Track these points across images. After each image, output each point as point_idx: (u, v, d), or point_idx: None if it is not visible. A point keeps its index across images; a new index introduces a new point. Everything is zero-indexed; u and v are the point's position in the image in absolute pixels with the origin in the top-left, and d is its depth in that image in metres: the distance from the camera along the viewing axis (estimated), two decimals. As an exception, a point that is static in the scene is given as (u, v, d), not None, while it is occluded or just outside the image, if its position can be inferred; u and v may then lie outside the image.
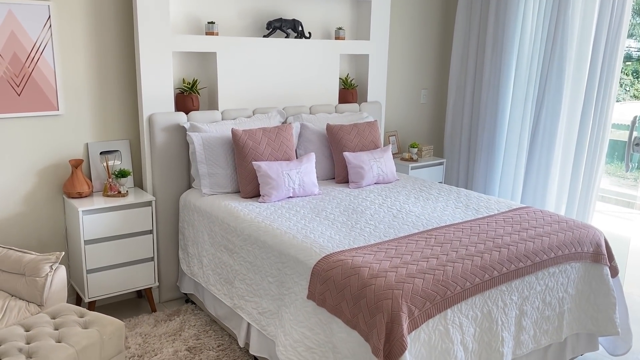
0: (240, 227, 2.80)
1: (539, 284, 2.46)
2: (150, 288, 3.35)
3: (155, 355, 2.86)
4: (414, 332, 2.00)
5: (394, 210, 2.98)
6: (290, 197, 3.21)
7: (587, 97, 3.92)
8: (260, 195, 3.19)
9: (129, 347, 2.93)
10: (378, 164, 3.60)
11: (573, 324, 2.65)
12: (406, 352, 1.92)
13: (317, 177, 3.69)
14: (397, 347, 1.92)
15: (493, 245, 2.44)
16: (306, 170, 3.25)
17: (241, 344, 2.81)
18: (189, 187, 3.49)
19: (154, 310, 3.37)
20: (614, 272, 2.77)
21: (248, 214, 2.89)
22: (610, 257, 2.78)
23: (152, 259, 3.27)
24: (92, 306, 3.14)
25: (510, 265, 2.33)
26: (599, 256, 2.71)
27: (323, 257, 2.30)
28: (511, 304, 2.34)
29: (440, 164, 4.61)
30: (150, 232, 3.23)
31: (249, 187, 3.19)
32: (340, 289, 2.13)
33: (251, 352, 2.71)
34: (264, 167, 3.12)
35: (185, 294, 3.57)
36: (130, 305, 3.49)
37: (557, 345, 2.67)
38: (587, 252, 2.67)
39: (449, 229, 2.64)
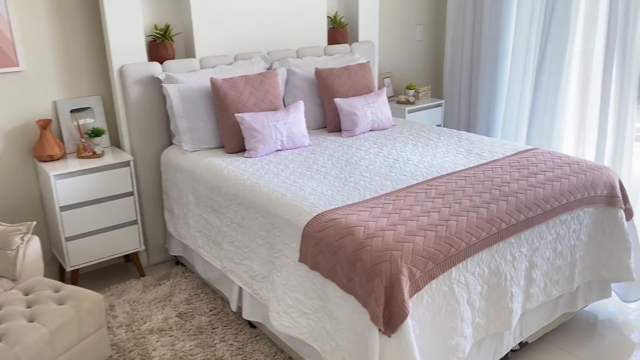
0: (225, 186, 2.58)
1: (549, 233, 2.27)
2: (137, 252, 3.17)
3: (145, 324, 2.71)
4: (415, 295, 1.82)
5: (391, 160, 2.75)
6: (279, 150, 2.98)
7: (611, 17, 3.56)
8: (245, 150, 2.95)
9: (116, 316, 2.78)
10: (372, 109, 3.35)
11: (585, 272, 2.48)
12: (408, 318, 1.75)
13: (307, 127, 3.45)
14: (398, 313, 1.74)
15: (500, 194, 2.23)
16: (295, 121, 3.01)
17: (233, 308, 2.66)
18: (170, 143, 3.25)
19: (142, 275, 3.21)
20: (629, 214, 2.58)
21: (233, 171, 2.66)
22: (625, 199, 2.58)
23: (135, 222, 3.08)
24: (75, 275, 2.97)
25: (519, 216, 2.13)
26: (613, 199, 2.51)
27: (314, 217, 2.09)
28: (520, 257, 2.16)
29: (439, 105, 4.35)
30: (131, 194, 3.02)
31: (234, 141, 2.95)
32: (333, 251, 1.93)
33: (244, 316, 2.55)
34: (248, 119, 2.87)
35: (175, 256, 3.41)
36: (118, 270, 3.33)
37: (568, 295, 2.52)
38: (601, 195, 2.47)
39: (450, 178, 2.43)
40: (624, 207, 2.55)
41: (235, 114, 2.89)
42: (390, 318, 1.75)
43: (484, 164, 2.64)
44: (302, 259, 2.08)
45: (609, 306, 2.77)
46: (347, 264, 1.88)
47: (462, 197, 2.20)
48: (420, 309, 1.85)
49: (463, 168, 2.59)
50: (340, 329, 1.94)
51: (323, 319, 2.03)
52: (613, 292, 2.78)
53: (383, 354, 1.77)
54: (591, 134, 3.84)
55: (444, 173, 2.52)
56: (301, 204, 2.20)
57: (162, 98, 3.15)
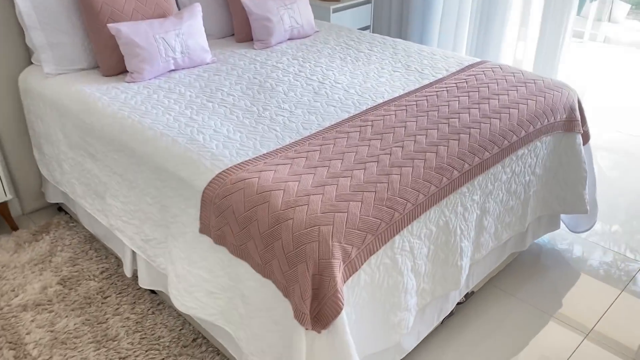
0: (99, 126, 1.97)
1: (504, 173, 1.90)
2: (5, 203, 2.54)
3: (16, 297, 2.18)
4: (351, 278, 1.41)
5: (315, 83, 2.22)
6: (173, 70, 2.35)
7: None
8: (127, 72, 2.30)
9: (-21, 291, 2.22)
10: (290, 12, 2.73)
11: (537, 208, 2.18)
12: (342, 312, 1.34)
13: (209, 37, 2.79)
14: (329, 307, 1.33)
15: (449, 130, 1.79)
16: (191, 30, 2.35)
17: (128, 273, 2.16)
18: (29, 63, 2.51)
19: (14, 228, 2.61)
20: (586, 138, 2.26)
21: (109, 104, 2.04)
22: (583, 121, 2.24)
23: (-6, 167, 2.42)
24: None
25: (473, 159, 1.72)
26: (572, 123, 2.16)
27: (217, 175, 1.58)
28: (472, 206, 1.78)
29: (368, 1, 3.75)
30: (-18, 132, 2.33)
31: (111, 61, 2.27)
32: (244, 224, 1.46)
33: (141, 284, 2.08)
34: (126, 31, 2.19)
35: (56, 203, 2.80)
36: (-16, 224, 2.70)
37: (517, 235, 2.23)
38: (560, 120, 2.10)
39: (388, 109, 1.96)
40: (582, 131, 2.21)
41: (109, 25, 2.19)
42: (319, 313, 1.34)
43: (427, 85, 2.17)
44: (204, 229, 1.60)
45: (556, 237, 2.54)
46: (262, 243, 1.42)
47: (405, 136, 1.75)
48: (356, 290, 1.44)
49: (403, 92, 2.12)
50: (257, 317, 1.52)
51: (235, 300, 1.59)
52: (561, 223, 2.53)
53: (311, 354, 1.38)
54: (533, 31, 3.46)
55: (381, 101, 2.04)
56: (199, 156, 1.66)
57: (11, 2, 2.36)
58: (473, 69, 2.32)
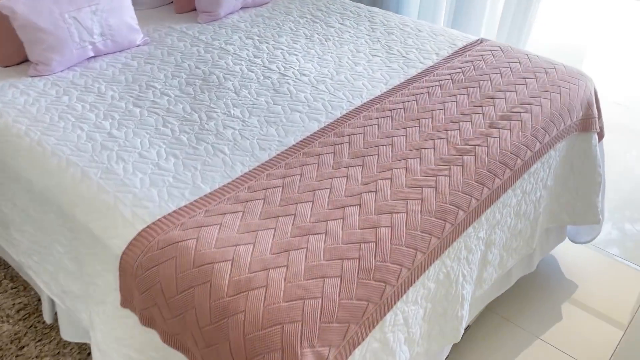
0: (-12, 144, 1.49)
1: (514, 196, 1.52)
2: None
3: None
4: (329, 381, 1.03)
5: (275, 75, 1.76)
6: (92, 57, 1.84)
7: None
8: (31, 64, 1.78)
9: None
10: (242, -26, 2.20)
11: (545, 223, 1.83)
12: None
13: (140, 8, 2.25)
14: None
15: (449, 150, 1.39)
16: (112, 4, 1.83)
17: (47, 319, 1.74)
18: None
19: None
20: (601, 135, 1.89)
21: (2, 112, 1.54)
22: (599, 114, 1.87)
23: None
24: None
25: (481, 191, 1.33)
26: (589, 121, 1.78)
27: (139, 234, 1.14)
28: (477, 245, 1.41)
29: (335, -46, 3.20)
30: None
31: (9, 49, 1.75)
32: (177, 310, 1.05)
33: (63, 336, 1.66)
34: (23, 10, 1.65)
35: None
36: None
37: (525, 258, 1.88)
38: (576, 120, 1.72)
39: (369, 115, 1.53)
40: (598, 129, 1.84)
41: (0, 4, 1.65)
42: None
43: (415, 78, 1.74)
44: (125, 304, 1.18)
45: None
46: (202, 340, 1.01)
47: (393, 161, 1.34)
48: (335, 388, 1.07)
49: (385, 89, 1.68)
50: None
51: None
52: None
53: None
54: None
55: (359, 103, 1.60)
56: (116, 199, 1.22)
57: None
58: (469, 52, 1.88)
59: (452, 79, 1.70)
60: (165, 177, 1.29)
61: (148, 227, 1.15)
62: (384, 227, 1.15)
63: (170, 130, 1.47)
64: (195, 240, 1.10)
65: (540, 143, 1.53)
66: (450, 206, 1.24)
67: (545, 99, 1.63)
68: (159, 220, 1.16)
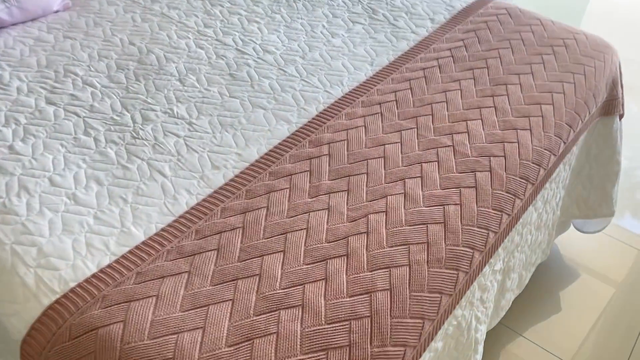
0: None
1: (535, 210, 1.24)
2: None
3: None
4: None
5: (231, 51, 1.38)
6: (-6, 31, 1.43)
7: None
8: None
9: None
10: None
11: (559, 220, 1.57)
12: None
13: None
14: None
15: (457, 163, 1.08)
16: (16, -40, 1.40)
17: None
18: None
19: None
20: (621, 115, 1.61)
21: None
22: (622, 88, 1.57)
23: None
24: None
25: (500, 221, 1.04)
26: (612, 103, 1.48)
27: (46, 312, 0.83)
28: (493, 280, 1.14)
29: None
30: None
31: None
32: None
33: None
34: None
35: None
36: None
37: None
38: (600, 103, 1.42)
39: (353, 113, 1.19)
40: (622, 111, 1.55)
41: None
42: None
43: (407, 54, 1.39)
44: (36, 402, 0.88)
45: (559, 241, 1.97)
46: None
47: (386, 183, 1.03)
48: None
49: (371, 72, 1.33)
50: None
51: None
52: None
53: None
54: None
55: (338, 95, 1.26)
56: (14, 256, 0.89)
57: None
58: (470, 17, 1.54)
59: (453, 57, 1.37)
60: (84, 217, 0.96)
61: (57, 301, 0.83)
62: (380, 290, 0.85)
63: (94, 141, 1.12)
64: (121, 324, 0.79)
65: (565, 143, 1.23)
66: (464, 249, 0.95)
67: (568, 83, 1.32)
68: (72, 290, 0.84)
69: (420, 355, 0.89)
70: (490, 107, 1.21)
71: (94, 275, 0.86)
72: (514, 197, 1.06)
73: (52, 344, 0.80)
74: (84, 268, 0.88)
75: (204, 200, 1.00)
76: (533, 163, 1.13)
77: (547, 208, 1.31)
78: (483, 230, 0.99)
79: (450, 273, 0.92)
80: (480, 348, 1.18)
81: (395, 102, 1.23)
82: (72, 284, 0.85)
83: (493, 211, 1.02)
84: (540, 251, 1.43)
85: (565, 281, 1.76)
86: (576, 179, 1.58)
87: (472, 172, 1.06)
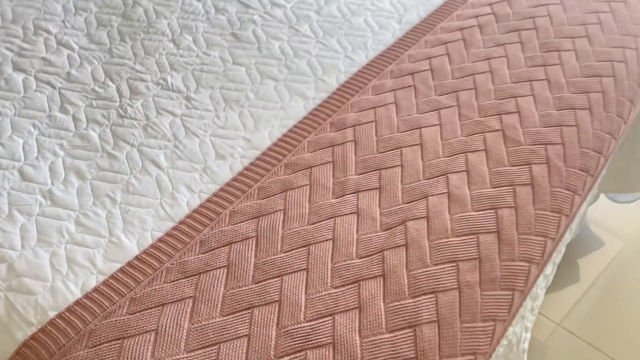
0: None
1: (587, 202, 1.08)
2: None
3: None
4: None
5: (235, 5, 1.15)
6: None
7: None
8: None
9: None
10: None
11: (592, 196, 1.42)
12: None
13: None
14: None
15: (510, 157, 0.90)
16: None
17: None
18: None
19: None
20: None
21: None
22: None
23: None
24: None
25: (559, 224, 0.88)
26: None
27: (20, 351, 0.68)
28: (542, 286, 1.00)
29: None
30: None
31: None
32: None
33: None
34: None
35: None
36: None
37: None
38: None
39: (381, 86, 1.00)
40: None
41: None
42: None
43: (441, 10, 1.18)
44: None
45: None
46: None
47: (424, 179, 0.86)
48: None
49: (399, 32, 1.13)
50: None
51: None
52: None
53: None
54: None
55: (362, 62, 1.06)
56: (-22, 280, 0.73)
57: None
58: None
59: (495, 14, 1.16)
60: (64, 222, 0.79)
61: (34, 337, 0.68)
62: (425, 322, 0.71)
63: (73, 120, 0.93)
64: (105, 371, 0.64)
65: (625, 123, 1.06)
66: (520, 264, 0.80)
67: (629, 49, 1.12)
68: (52, 322, 0.69)
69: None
70: (543, 79, 1.03)
71: (78, 302, 0.71)
72: (572, 195, 0.90)
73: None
74: (65, 292, 0.72)
75: (208, 200, 0.83)
76: (594, 151, 0.96)
77: (593, 191, 1.16)
78: (540, 239, 0.84)
79: (505, 295, 0.77)
80: (525, 356, 1.06)
81: (430, 72, 1.03)
82: (52, 313, 0.70)
83: (551, 214, 0.86)
84: (571, 233, 1.29)
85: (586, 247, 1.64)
86: (617, 151, 1.41)
87: (526, 164, 0.89)
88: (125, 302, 0.71)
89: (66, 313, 0.70)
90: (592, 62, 1.08)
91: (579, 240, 1.57)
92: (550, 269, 0.99)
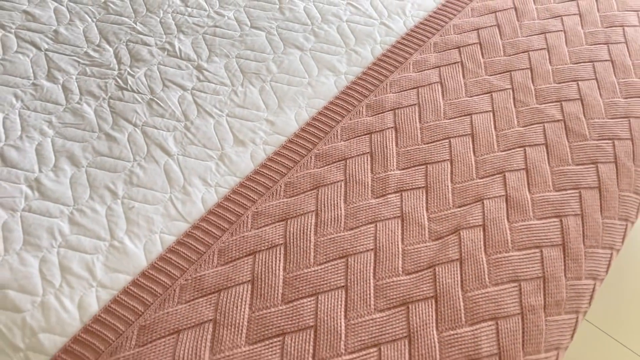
0: None
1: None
2: None
3: None
4: None
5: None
6: None
7: None
8: None
9: None
10: None
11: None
12: None
13: None
14: None
15: (573, 153, 0.79)
16: None
17: None
18: None
19: None
20: None
21: None
22: None
23: None
24: None
25: (623, 234, 0.77)
26: None
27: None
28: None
29: None
30: None
31: None
32: None
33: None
34: None
35: None
36: None
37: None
38: None
39: (423, 61, 0.86)
40: None
41: None
42: None
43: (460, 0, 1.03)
44: None
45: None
46: None
47: (478, 178, 0.74)
48: None
49: (401, 32, 0.98)
50: None
51: None
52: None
53: None
54: None
55: (400, 31, 0.91)
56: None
57: None
58: None
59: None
60: (55, 219, 0.66)
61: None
62: (485, 356, 0.61)
63: (63, 90, 0.79)
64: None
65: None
66: (586, 282, 0.70)
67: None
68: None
69: None
70: (606, 60, 0.90)
71: (76, 339, 0.58)
72: (638, 200, 0.80)
73: None
74: (58, 310, 0.60)
75: (227, 197, 0.70)
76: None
77: None
78: (607, 252, 0.73)
79: (569, 319, 0.67)
80: None
81: (479, 46, 0.90)
82: (42, 337, 0.58)
83: (619, 222, 0.75)
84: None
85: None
86: None
87: (592, 164, 0.77)
88: (133, 332, 0.59)
89: (62, 355, 0.58)
90: (654, 43, 0.95)
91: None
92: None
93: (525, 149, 0.78)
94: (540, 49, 0.90)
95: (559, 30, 0.94)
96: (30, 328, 0.59)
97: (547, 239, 0.70)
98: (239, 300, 0.62)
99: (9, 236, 0.65)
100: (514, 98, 0.84)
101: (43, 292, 0.61)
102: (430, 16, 0.95)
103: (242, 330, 0.60)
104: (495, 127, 0.80)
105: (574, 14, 0.97)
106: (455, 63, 0.87)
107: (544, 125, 0.81)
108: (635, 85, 0.88)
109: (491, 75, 0.86)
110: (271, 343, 0.60)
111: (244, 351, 0.59)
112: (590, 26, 0.95)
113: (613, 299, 1.29)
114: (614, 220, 0.75)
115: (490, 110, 0.82)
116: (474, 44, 0.90)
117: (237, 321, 0.61)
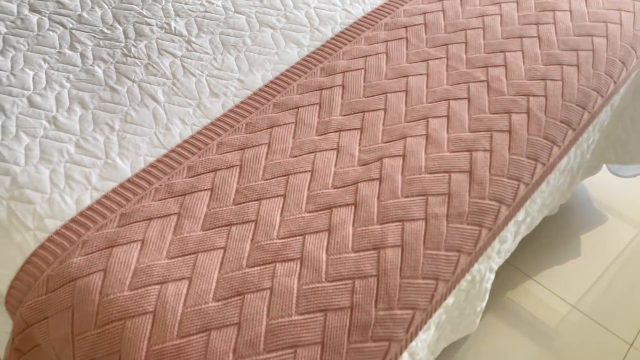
0: None
1: (567, 157, 1.11)
2: None
3: None
4: None
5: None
6: None
7: None
8: None
9: None
10: None
11: (588, 164, 1.44)
12: None
13: None
14: None
15: (491, 105, 0.94)
16: None
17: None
18: None
19: None
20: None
21: None
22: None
23: None
24: None
25: (533, 170, 0.91)
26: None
27: (23, 267, 0.75)
28: (512, 230, 1.04)
29: None
30: None
31: None
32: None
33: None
34: None
35: None
36: None
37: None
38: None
39: (374, 37, 1.04)
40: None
41: None
42: None
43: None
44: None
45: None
46: None
47: (405, 122, 0.90)
48: None
49: (359, 15, 1.16)
50: None
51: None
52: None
53: None
54: None
55: (359, 14, 1.10)
56: (-16, 189, 0.80)
57: None
58: None
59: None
60: (65, 144, 0.86)
61: (34, 253, 0.75)
62: (390, 246, 0.75)
63: (80, 57, 1.00)
64: (101, 274, 0.71)
65: (615, 83, 1.08)
66: (490, 202, 0.84)
67: (626, 12, 1.13)
68: (53, 236, 0.76)
69: (431, 317, 0.80)
70: (533, 37, 1.05)
71: (73, 220, 0.77)
72: (551, 145, 0.93)
73: (28, 298, 0.72)
74: (61, 203, 0.79)
75: (199, 132, 0.89)
76: (577, 105, 0.98)
77: (577, 151, 1.17)
78: (514, 182, 0.87)
79: (472, 229, 0.81)
80: (487, 296, 1.10)
81: (424, 26, 1.07)
82: (48, 221, 0.77)
83: (527, 160, 0.89)
84: (559, 194, 1.31)
85: (589, 225, 1.65)
86: (617, 121, 1.42)
87: (506, 113, 0.92)
88: (116, 217, 0.77)
89: (61, 231, 0.76)
90: (585, 22, 1.09)
91: (594, 222, 1.60)
92: (522, 216, 1.02)
93: (449, 102, 0.93)
94: (477, 28, 1.07)
95: (495, 14, 1.10)
96: (39, 215, 0.78)
97: (456, 166, 0.85)
98: (199, 201, 0.79)
99: (29, 153, 0.84)
100: (447, 65, 1.00)
101: (50, 192, 0.80)
102: (386, 3, 1.13)
103: (199, 221, 0.77)
104: (427, 86, 0.96)
105: (512, 2, 1.13)
106: (401, 38, 1.04)
107: (468, 85, 0.96)
108: (557, 56, 1.03)
109: (430, 48, 1.03)
110: (220, 230, 0.76)
111: (199, 234, 0.75)
112: (524, 11, 1.11)
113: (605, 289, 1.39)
114: (521, 157, 0.89)
115: (424, 74, 0.98)
116: (420, 24, 1.07)
117: (196, 215, 0.78)
